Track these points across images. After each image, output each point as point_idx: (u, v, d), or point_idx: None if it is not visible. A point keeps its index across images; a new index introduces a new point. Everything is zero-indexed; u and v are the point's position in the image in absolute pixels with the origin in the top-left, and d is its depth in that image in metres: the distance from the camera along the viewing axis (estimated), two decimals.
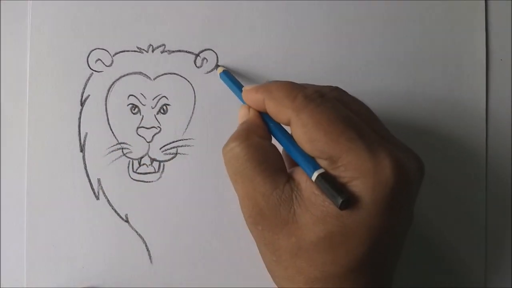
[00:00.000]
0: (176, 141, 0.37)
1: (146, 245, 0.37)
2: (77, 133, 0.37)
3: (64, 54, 0.37)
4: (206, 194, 0.37)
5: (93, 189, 0.37)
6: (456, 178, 0.38)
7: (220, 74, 0.36)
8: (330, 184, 0.25)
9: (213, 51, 0.37)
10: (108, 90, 0.37)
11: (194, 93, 0.37)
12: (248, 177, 0.28)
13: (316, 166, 0.26)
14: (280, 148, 0.29)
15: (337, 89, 0.30)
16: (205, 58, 0.37)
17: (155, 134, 0.37)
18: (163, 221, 0.37)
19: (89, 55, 0.37)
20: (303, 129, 0.26)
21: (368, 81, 0.38)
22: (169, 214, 0.37)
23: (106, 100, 0.37)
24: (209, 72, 0.37)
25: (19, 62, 0.37)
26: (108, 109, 0.37)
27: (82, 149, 0.37)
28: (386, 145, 0.26)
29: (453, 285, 0.37)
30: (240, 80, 0.35)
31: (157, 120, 0.37)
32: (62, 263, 0.36)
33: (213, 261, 0.37)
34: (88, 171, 0.37)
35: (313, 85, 0.30)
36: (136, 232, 0.37)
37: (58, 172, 0.36)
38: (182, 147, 0.37)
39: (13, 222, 0.36)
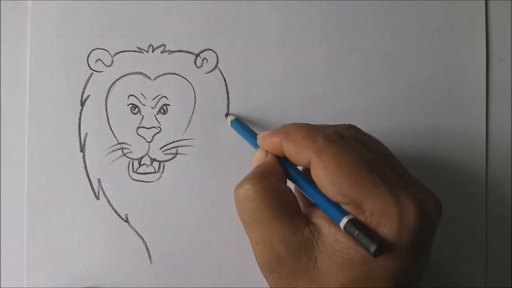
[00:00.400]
0: (176, 141, 0.37)
1: (146, 245, 0.37)
2: (77, 133, 0.37)
3: (64, 54, 0.37)
4: (206, 194, 0.37)
5: (93, 189, 0.37)
6: (456, 178, 0.38)
7: (231, 122, 0.36)
8: (362, 230, 0.24)
9: (213, 51, 0.37)
10: (108, 90, 0.37)
11: (194, 93, 0.37)
12: (264, 220, 0.27)
13: (344, 212, 0.26)
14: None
15: (352, 127, 0.30)
16: (205, 58, 0.37)
17: (155, 134, 0.37)
18: (163, 221, 0.37)
19: (89, 55, 0.37)
20: (325, 170, 0.26)
21: (368, 81, 0.38)
22: (169, 214, 0.37)
23: (106, 100, 0.37)
24: (209, 72, 0.37)
25: (19, 62, 0.37)
26: (108, 109, 0.37)
27: (82, 149, 0.37)
28: (408, 187, 0.26)
29: (453, 285, 0.37)
30: (237, 84, 0.35)
31: (157, 120, 0.37)
32: (62, 263, 0.36)
33: (213, 261, 0.37)
34: (88, 171, 0.37)
35: (328, 125, 0.30)
36: (136, 232, 0.37)
37: (58, 172, 0.36)
38: (182, 147, 0.37)
39: (13, 222, 0.37)
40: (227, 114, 0.37)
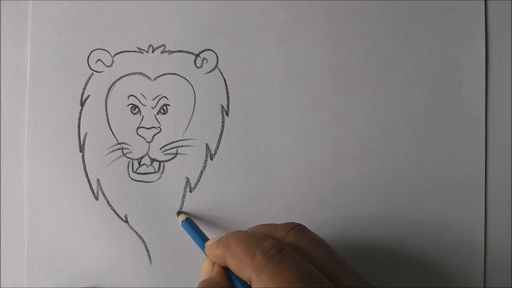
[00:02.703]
0: (176, 141, 0.37)
1: (145, 246, 0.37)
2: (77, 133, 0.37)
3: (64, 54, 0.37)
4: (205, 194, 0.37)
5: (92, 190, 0.37)
6: (455, 178, 0.38)
7: (181, 222, 0.35)
8: None
9: (213, 51, 0.37)
10: (108, 90, 0.37)
11: (194, 93, 0.37)
12: None
13: None
14: None
15: (295, 228, 0.29)
16: (205, 58, 0.37)
17: (155, 134, 0.37)
18: (163, 221, 0.37)
19: (89, 55, 0.37)
20: None
21: (367, 82, 0.38)
22: (169, 214, 0.37)
23: (106, 100, 0.37)
24: (209, 72, 0.37)
25: (19, 62, 0.37)
26: (108, 109, 0.37)
27: (81, 149, 0.37)
28: None
29: (453, 285, 0.37)
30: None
31: (157, 120, 0.37)
32: (62, 263, 0.36)
33: None
34: (87, 171, 0.37)
35: (270, 227, 0.30)
36: (136, 232, 0.37)
37: (57, 172, 0.36)
38: (182, 147, 0.37)
39: (13, 222, 0.37)
40: (179, 212, 0.37)
